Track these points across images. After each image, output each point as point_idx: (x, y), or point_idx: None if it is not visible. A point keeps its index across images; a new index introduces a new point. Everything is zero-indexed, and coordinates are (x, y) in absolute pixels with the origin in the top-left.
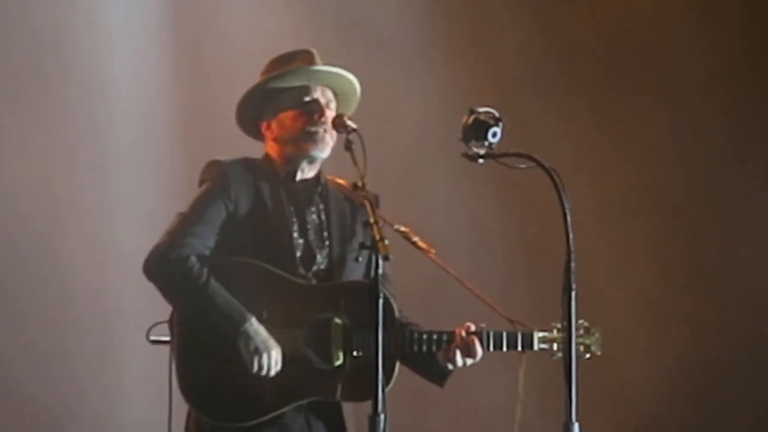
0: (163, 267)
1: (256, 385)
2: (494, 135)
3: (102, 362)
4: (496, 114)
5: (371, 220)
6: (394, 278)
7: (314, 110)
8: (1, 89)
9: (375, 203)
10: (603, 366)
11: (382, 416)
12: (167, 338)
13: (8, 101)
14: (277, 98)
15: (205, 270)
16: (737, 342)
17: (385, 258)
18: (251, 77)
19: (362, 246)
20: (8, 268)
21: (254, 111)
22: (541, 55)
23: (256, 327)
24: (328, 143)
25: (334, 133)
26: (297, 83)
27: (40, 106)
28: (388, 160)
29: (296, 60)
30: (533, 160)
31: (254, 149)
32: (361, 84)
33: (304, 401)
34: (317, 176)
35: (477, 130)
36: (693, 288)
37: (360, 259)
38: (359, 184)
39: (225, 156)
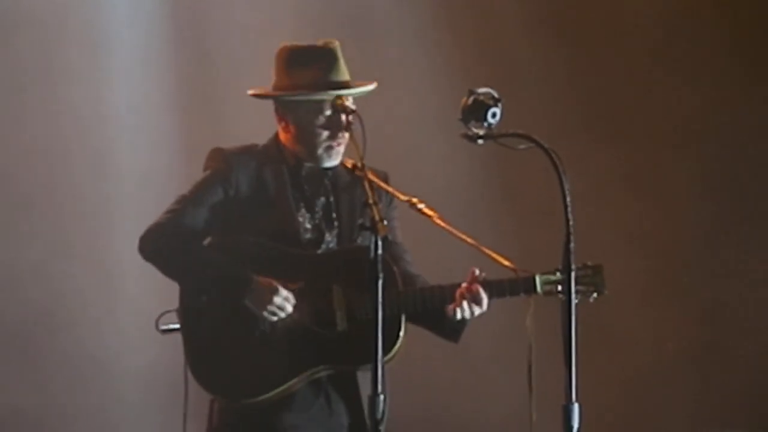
0: (159, 241)
1: (264, 358)
2: (494, 115)
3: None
4: (496, 94)
5: (370, 201)
6: (409, 243)
7: (336, 126)
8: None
9: (385, 180)
10: (603, 347)
11: (381, 397)
12: (177, 326)
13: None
14: (295, 108)
15: (201, 242)
16: (738, 325)
17: (384, 239)
18: (250, 67)
19: (362, 227)
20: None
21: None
22: (542, 34)
23: (258, 280)
24: (341, 152)
25: (347, 135)
26: (316, 98)
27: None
28: (388, 140)
29: (313, 65)
30: (533, 140)
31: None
32: (362, 63)
33: (313, 370)
34: None
35: (476, 110)
36: (693, 270)
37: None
38: (359, 165)
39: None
